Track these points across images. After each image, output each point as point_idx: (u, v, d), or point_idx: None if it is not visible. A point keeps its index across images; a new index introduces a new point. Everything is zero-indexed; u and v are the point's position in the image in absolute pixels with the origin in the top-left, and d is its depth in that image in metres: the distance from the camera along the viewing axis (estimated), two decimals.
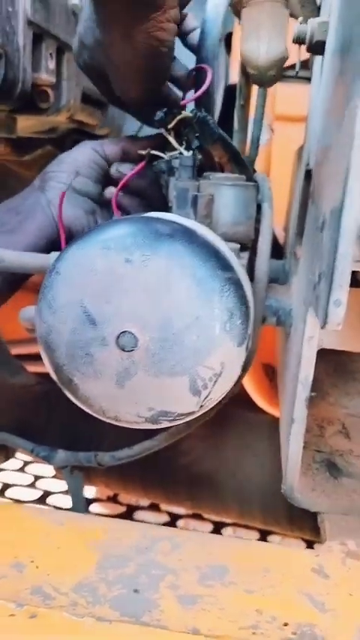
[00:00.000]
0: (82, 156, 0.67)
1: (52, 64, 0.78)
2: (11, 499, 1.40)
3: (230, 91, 0.99)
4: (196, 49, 0.64)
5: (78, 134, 0.97)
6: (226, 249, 0.45)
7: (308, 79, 0.80)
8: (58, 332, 0.40)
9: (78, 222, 0.64)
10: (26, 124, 0.86)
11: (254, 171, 0.69)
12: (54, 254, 0.60)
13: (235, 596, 0.41)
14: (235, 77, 0.91)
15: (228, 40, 1.00)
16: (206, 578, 0.43)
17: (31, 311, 0.54)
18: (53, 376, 0.42)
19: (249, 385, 1.00)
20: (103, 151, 0.67)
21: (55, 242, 0.63)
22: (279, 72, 0.45)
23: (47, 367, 0.42)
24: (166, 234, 0.41)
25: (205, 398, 0.41)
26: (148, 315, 0.39)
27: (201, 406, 0.41)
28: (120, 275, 0.39)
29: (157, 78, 0.58)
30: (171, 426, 0.52)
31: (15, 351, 1.13)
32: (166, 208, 0.66)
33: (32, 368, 1.10)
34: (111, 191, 0.66)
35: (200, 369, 0.39)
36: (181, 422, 0.42)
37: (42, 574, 0.43)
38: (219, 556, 0.44)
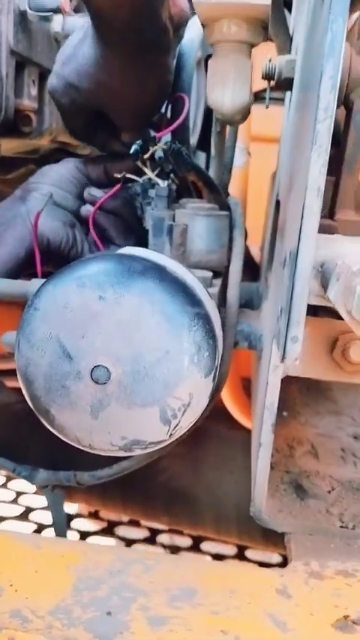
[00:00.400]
0: (65, 171, 0.70)
1: (34, 91, 0.80)
2: None
3: (210, 111, 1.02)
4: (173, 81, 0.67)
5: (61, 153, 0.99)
6: (196, 284, 0.48)
7: (283, 100, 0.83)
8: (35, 365, 0.42)
9: (56, 234, 0.66)
10: (10, 146, 0.88)
11: (227, 194, 0.72)
12: (35, 281, 0.62)
13: (202, 617, 0.43)
14: None
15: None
16: (176, 599, 0.45)
17: (12, 336, 0.56)
18: (31, 406, 0.44)
19: (227, 399, 1.02)
20: (85, 170, 0.70)
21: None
22: (245, 115, 0.48)
23: (25, 397, 0.44)
24: (137, 272, 0.43)
25: (175, 427, 0.43)
26: (120, 350, 0.41)
27: (170, 435, 0.43)
28: (94, 311, 0.41)
29: (158, 110, 0.67)
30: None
31: None
32: (141, 229, 0.69)
33: (12, 383, 1.10)
34: (87, 209, 0.68)
35: (170, 399, 0.42)
36: (153, 450, 0.44)
37: (21, 597, 0.45)
38: (188, 578, 0.47)
